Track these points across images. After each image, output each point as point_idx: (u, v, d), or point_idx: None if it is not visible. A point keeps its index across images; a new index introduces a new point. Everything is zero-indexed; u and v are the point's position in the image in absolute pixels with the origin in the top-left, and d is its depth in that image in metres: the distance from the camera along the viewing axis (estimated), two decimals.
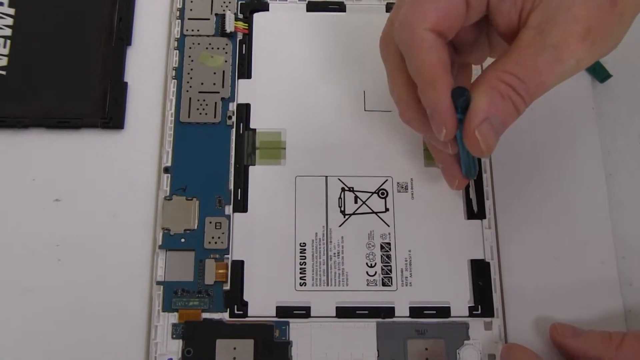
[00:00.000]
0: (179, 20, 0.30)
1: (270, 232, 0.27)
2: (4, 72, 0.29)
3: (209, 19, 0.30)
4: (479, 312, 0.26)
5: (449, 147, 0.23)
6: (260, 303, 0.26)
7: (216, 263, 0.26)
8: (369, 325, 0.25)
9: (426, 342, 0.25)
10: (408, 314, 0.26)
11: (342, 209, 0.27)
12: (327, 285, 0.26)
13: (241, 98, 0.29)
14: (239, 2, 0.30)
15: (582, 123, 0.29)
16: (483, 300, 0.26)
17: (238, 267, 0.26)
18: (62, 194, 0.27)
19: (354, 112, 0.28)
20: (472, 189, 0.27)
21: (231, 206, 0.27)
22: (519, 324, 0.26)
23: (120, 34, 0.29)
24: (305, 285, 0.26)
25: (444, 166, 0.26)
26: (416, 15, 0.21)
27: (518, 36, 0.21)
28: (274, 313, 0.25)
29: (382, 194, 0.27)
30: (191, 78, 0.29)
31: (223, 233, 0.27)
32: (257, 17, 0.30)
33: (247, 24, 0.30)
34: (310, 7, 0.30)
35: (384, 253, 0.27)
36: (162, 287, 0.26)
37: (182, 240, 0.26)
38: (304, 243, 0.27)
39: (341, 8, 0.30)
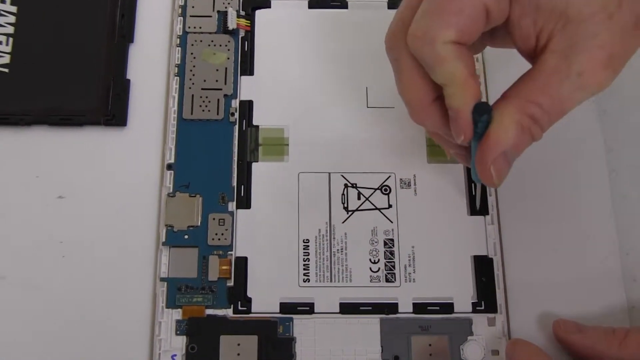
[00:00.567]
0: (181, 18, 0.29)
1: (274, 229, 0.26)
2: (6, 70, 0.28)
3: (211, 16, 0.30)
4: (483, 308, 0.25)
5: (462, 148, 0.23)
6: (264, 299, 0.25)
7: (220, 259, 0.26)
8: (373, 322, 0.25)
9: (430, 338, 0.25)
10: (411, 310, 0.25)
11: (345, 205, 0.27)
12: (331, 281, 0.26)
13: (244, 95, 0.28)
14: None
15: (585, 119, 0.29)
16: (486, 296, 0.26)
17: (241, 263, 0.26)
18: (65, 191, 0.27)
19: (357, 109, 0.28)
20: (479, 188, 0.27)
21: (234, 203, 0.27)
22: (523, 320, 0.26)
23: (122, 31, 0.29)
24: (308, 282, 0.26)
25: (456, 152, 0.25)
26: (437, 29, 0.20)
27: (542, 59, 0.20)
28: (277, 309, 0.25)
29: (385, 190, 0.27)
30: (193, 75, 0.29)
31: (226, 229, 0.26)
32: (259, 14, 0.30)
33: (249, 21, 0.29)
34: (312, 4, 0.30)
35: (387, 249, 0.26)
36: (165, 283, 0.26)
37: (186, 236, 0.26)
38: (307, 239, 0.26)
39: (343, 5, 0.30)
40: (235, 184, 0.27)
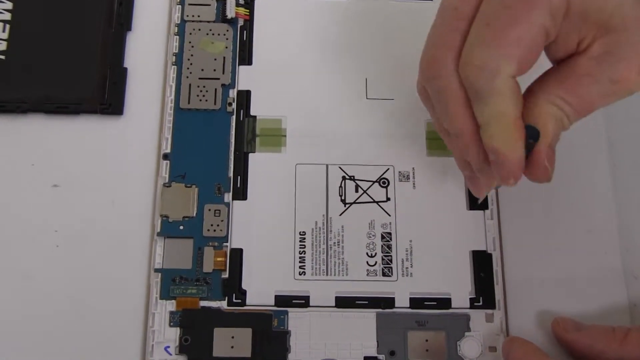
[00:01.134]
0: (179, 6, 0.29)
1: (270, 220, 0.26)
2: (3, 57, 0.28)
3: (209, 5, 0.29)
4: (480, 303, 0.25)
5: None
6: (259, 292, 0.25)
7: (215, 251, 0.25)
8: (369, 316, 0.25)
9: (426, 333, 0.24)
10: (408, 305, 0.25)
11: (343, 197, 0.26)
12: (327, 274, 0.25)
13: (242, 85, 0.28)
14: None
15: None
16: (484, 292, 0.25)
17: (237, 255, 0.25)
18: (61, 180, 0.26)
19: (356, 100, 0.27)
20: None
21: (230, 194, 0.26)
22: (521, 316, 0.25)
23: (120, 19, 0.28)
24: (304, 275, 0.25)
25: (470, 176, 0.24)
26: (499, 61, 0.18)
27: (575, 62, 0.19)
28: (272, 302, 0.25)
29: (384, 183, 0.26)
30: (191, 64, 0.28)
31: (222, 221, 0.26)
32: (259, 3, 0.29)
33: (248, 10, 0.29)
34: None
35: (385, 243, 0.26)
36: (160, 274, 0.25)
37: (181, 227, 0.26)
38: (303, 232, 0.26)
39: None
40: (231, 174, 0.26)
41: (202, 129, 0.27)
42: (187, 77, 0.28)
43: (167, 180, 0.26)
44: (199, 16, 0.29)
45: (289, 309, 0.25)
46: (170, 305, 0.25)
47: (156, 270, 0.25)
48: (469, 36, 0.19)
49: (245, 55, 0.28)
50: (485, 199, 0.26)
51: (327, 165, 0.27)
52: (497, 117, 0.19)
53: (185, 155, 0.27)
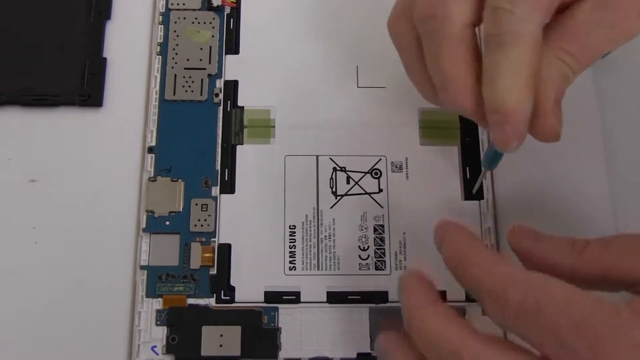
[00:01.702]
0: None
1: (259, 214, 0.24)
2: None
3: None
4: None
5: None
6: (248, 288, 0.24)
7: (202, 247, 0.24)
8: (362, 311, 0.23)
9: None
10: None
11: (334, 189, 0.25)
12: (318, 269, 0.24)
13: (229, 75, 0.26)
14: None
15: (581, 100, 0.27)
16: None
17: (225, 250, 0.24)
18: (38, 174, 0.25)
19: (347, 89, 0.26)
20: (484, 173, 0.25)
21: (218, 187, 0.25)
22: None
23: (99, 7, 0.27)
24: (294, 270, 0.24)
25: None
26: (529, 5, 0.17)
27: (573, 10, 0.18)
28: (262, 298, 0.23)
29: (376, 174, 0.25)
30: (176, 54, 0.27)
31: (209, 215, 0.24)
32: None
33: None
34: None
35: (378, 236, 0.24)
36: (145, 271, 0.24)
37: (167, 223, 0.24)
38: (293, 225, 0.24)
39: None
40: (219, 167, 0.25)
41: (188, 120, 0.26)
42: (172, 67, 0.26)
43: (152, 174, 0.25)
44: (184, 4, 0.27)
45: (279, 305, 0.23)
46: (157, 304, 0.24)
47: (142, 268, 0.24)
48: None
49: (232, 44, 0.27)
50: (481, 189, 0.25)
51: (317, 157, 0.25)
52: (515, 66, 0.17)
53: (171, 148, 0.25)
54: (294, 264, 0.24)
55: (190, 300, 0.24)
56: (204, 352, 0.23)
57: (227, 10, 0.27)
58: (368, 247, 0.24)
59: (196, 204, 0.25)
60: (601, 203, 0.26)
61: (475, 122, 0.19)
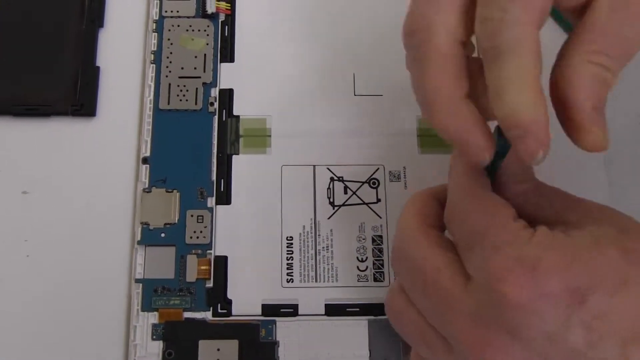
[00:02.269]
0: (157, 1, 0.27)
1: (255, 226, 0.24)
2: None
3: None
4: None
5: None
6: (245, 301, 0.23)
7: (198, 259, 0.23)
8: (361, 324, 0.23)
9: None
10: None
11: (331, 200, 0.24)
12: (316, 281, 0.23)
13: (224, 83, 0.26)
14: None
15: None
16: None
17: (221, 263, 0.23)
18: (30, 186, 0.24)
19: (343, 97, 0.26)
20: None
21: (214, 198, 0.24)
22: None
23: (91, 15, 0.26)
24: (292, 282, 0.23)
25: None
26: (521, 10, 0.16)
27: (593, 7, 0.17)
28: (259, 312, 0.23)
29: (374, 183, 0.25)
30: (170, 62, 0.26)
31: (205, 227, 0.24)
32: None
33: (229, 4, 0.27)
34: None
35: (376, 246, 0.24)
36: (141, 285, 0.23)
37: (162, 235, 0.24)
38: (290, 237, 0.24)
39: None
40: (214, 178, 0.24)
41: (183, 130, 0.25)
42: (167, 76, 0.26)
43: (147, 186, 0.24)
44: (177, 11, 0.27)
45: (276, 319, 0.23)
46: (153, 318, 0.23)
47: (137, 281, 0.23)
48: None
49: (227, 52, 0.26)
50: None
51: (314, 167, 0.25)
52: (520, 76, 0.16)
53: (166, 159, 0.25)
54: (292, 276, 0.23)
55: (187, 314, 0.23)
56: None
57: (222, 17, 0.27)
58: (366, 258, 0.24)
59: (192, 216, 0.24)
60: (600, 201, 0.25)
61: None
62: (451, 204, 0.18)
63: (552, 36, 0.26)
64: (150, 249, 0.24)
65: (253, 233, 0.24)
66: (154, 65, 0.26)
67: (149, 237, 0.24)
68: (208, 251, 0.24)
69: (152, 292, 0.23)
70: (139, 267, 0.23)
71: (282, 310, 0.23)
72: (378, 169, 0.25)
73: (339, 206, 0.24)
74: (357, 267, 0.24)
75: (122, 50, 0.26)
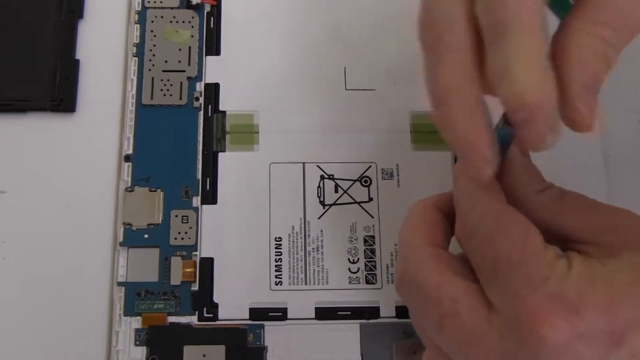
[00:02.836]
0: None
1: (242, 226, 0.23)
2: None
3: None
4: None
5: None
6: (232, 305, 0.22)
7: (183, 261, 0.22)
8: (352, 327, 0.22)
9: (414, 343, 0.22)
10: (394, 314, 0.22)
11: (322, 199, 0.23)
12: (306, 284, 0.22)
13: (209, 77, 0.24)
14: None
15: None
16: None
17: (207, 265, 0.22)
18: (7, 185, 0.23)
19: (334, 92, 0.24)
20: None
21: (199, 197, 0.23)
22: None
23: (70, 6, 0.25)
24: (281, 285, 0.22)
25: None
26: None
27: None
28: (247, 316, 0.22)
29: (365, 181, 0.23)
30: (154, 55, 0.25)
31: (190, 228, 0.23)
32: None
33: None
34: None
35: (368, 247, 0.23)
36: (123, 288, 0.22)
37: (146, 236, 0.23)
38: (279, 237, 0.23)
39: None
40: (200, 176, 0.23)
41: (167, 126, 0.24)
42: (150, 69, 0.25)
43: (129, 184, 0.23)
44: (161, 2, 0.25)
45: (265, 323, 0.22)
46: (136, 322, 0.22)
47: (119, 284, 0.22)
48: None
49: (212, 45, 0.25)
50: None
51: (303, 164, 0.24)
52: (526, 51, 0.14)
53: (149, 157, 0.24)
54: (280, 278, 0.22)
55: (171, 319, 0.22)
56: None
57: (207, 8, 0.25)
58: (358, 259, 0.23)
59: (176, 216, 0.23)
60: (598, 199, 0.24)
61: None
62: (466, 220, 0.16)
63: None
64: (133, 250, 0.23)
65: (240, 234, 0.23)
66: (137, 58, 0.25)
67: (132, 238, 0.23)
68: (193, 253, 0.22)
69: (135, 296, 0.22)
70: (122, 270, 0.22)
71: (270, 314, 0.22)
72: (370, 166, 0.24)
73: (330, 205, 0.23)
74: (349, 268, 0.23)
75: (102, 42, 0.25)
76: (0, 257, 0.22)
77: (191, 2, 0.25)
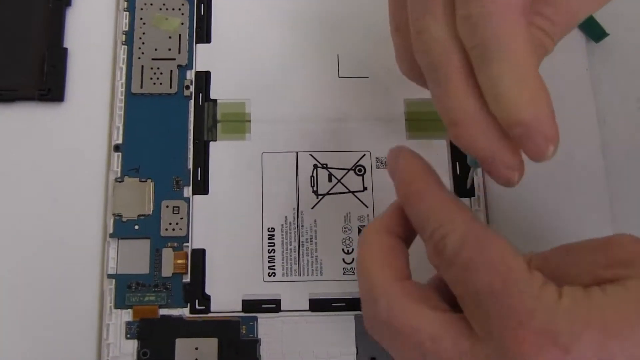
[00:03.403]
0: None
1: (235, 217, 0.22)
2: None
3: None
4: None
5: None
6: (225, 297, 0.21)
7: (174, 252, 0.22)
8: (347, 319, 0.21)
9: None
10: None
11: (315, 188, 0.23)
12: (299, 275, 0.22)
13: (200, 65, 0.24)
14: None
15: (576, 87, 0.25)
16: None
17: (199, 256, 0.22)
18: None
19: (327, 79, 0.24)
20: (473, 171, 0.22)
21: (190, 188, 0.22)
22: None
23: None
24: (274, 276, 0.22)
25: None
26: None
27: None
28: (239, 308, 0.21)
29: (360, 170, 0.23)
30: (143, 43, 0.24)
31: (182, 218, 0.22)
32: None
33: None
34: None
35: None
36: (113, 280, 0.22)
37: (136, 227, 0.22)
38: (272, 228, 0.22)
39: None
40: (191, 166, 0.23)
41: (157, 116, 0.23)
42: (139, 58, 0.24)
43: (119, 175, 0.23)
44: None
45: (258, 315, 0.21)
46: (127, 315, 0.21)
47: (109, 276, 0.22)
48: None
49: (203, 33, 0.24)
50: (472, 186, 0.23)
51: (296, 153, 0.23)
52: (509, 70, 0.14)
53: (139, 146, 0.23)
54: (274, 269, 0.22)
55: (163, 311, 0.21)
56: None
57: None
58: (352, 250, 0.22)
59: (167, 206, 0.22)
60: (597, 199, 0.24)
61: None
62: (444, 245, 0.15)
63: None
64: (123, 242, 0.22)
65: (232, 224, 0.22)
66: (126, 46, 0.24)
67: (122, 229, 0.22)
68: (185, 244, 0.22)
69: (126, 288, 0.21)
70: (112, 262, 0.22)
71: (263, 306, 0.21)
72: (364, 155, 0.23)
73: (323, 195, 0.23)
74: (343, 259, 0.22)
75: (91, 30, 0.24)
76: None
77: None
